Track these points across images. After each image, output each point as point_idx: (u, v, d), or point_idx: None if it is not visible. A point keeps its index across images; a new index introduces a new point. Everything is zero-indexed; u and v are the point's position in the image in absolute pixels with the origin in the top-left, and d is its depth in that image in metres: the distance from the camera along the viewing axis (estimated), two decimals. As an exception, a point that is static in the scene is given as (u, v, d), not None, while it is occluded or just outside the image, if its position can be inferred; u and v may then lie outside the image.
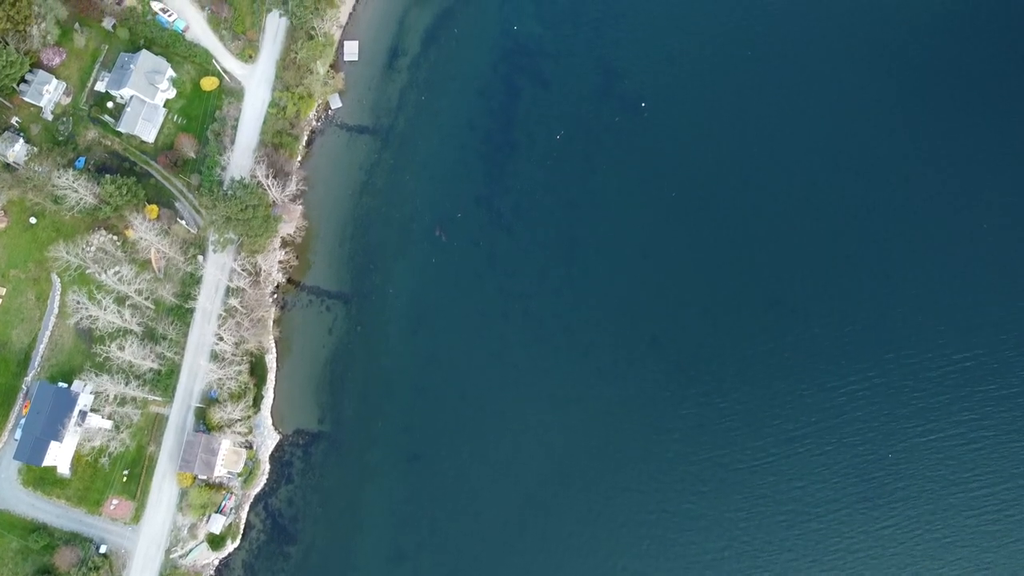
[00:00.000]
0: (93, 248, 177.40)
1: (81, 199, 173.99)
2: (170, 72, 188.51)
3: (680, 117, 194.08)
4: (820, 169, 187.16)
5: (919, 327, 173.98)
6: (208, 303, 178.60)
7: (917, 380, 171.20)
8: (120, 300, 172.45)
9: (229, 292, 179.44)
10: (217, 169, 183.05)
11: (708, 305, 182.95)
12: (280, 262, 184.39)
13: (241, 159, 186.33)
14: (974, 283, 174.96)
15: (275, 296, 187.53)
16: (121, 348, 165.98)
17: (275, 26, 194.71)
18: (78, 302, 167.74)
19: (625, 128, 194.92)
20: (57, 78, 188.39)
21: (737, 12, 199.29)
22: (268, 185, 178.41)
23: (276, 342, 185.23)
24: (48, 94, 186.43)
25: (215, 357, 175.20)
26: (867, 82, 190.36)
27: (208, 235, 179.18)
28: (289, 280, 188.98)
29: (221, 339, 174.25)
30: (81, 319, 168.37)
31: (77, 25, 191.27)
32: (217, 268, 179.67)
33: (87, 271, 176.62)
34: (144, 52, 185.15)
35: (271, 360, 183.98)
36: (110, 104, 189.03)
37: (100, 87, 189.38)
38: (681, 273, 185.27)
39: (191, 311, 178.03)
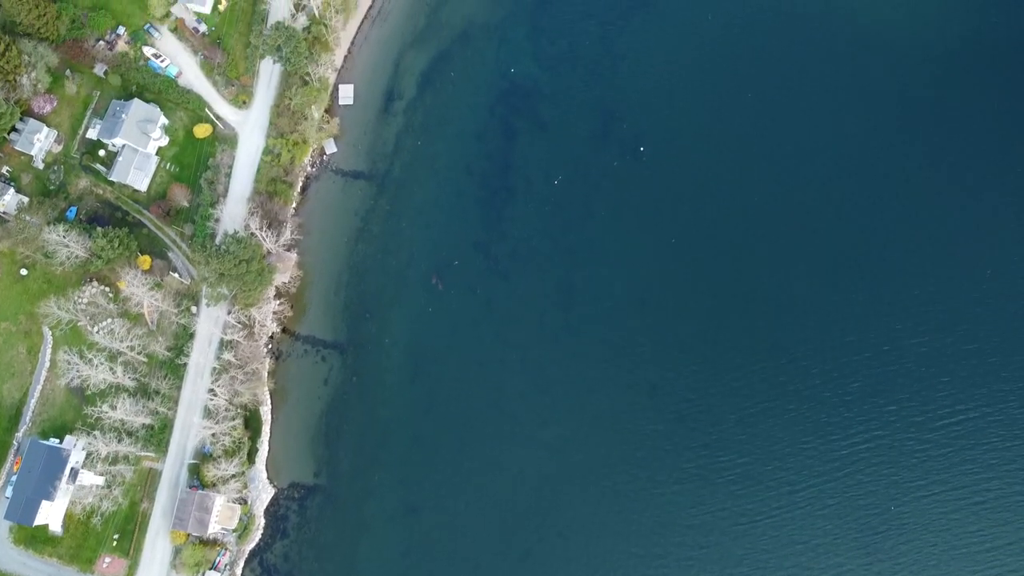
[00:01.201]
0: (85, 301, 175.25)
1: (72, 253, 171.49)
2: (163, 120, 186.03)
3: (679, 162, 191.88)
4: (822, 215, 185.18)
5: (923, 380, 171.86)
6: (201, 358, 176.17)
7: (919, 437, 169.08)
8: (112, 356, 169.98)
9: (223, 345, 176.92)
10: (211, 220, 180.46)
11: (709, 355, 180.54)
12: (274, 312, 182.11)
13: (235, 208, 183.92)
14: (979, 337, 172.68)
15: (270, 347, 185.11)
16: (113, 407, 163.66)
17: (269, 71, 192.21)
18: (69, 362, 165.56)
19: (624, 173, 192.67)
20: (48, 126, 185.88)
21: (737, 54, 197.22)
22: (262, 237, 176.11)
23: (271, 393, 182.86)
24: (39, 143, 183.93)
25: (209, 414, 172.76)
26: (872, 126, 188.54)
27: (201, 288, 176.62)
28: (284, 330, 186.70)
29: (215, 394, 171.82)
30: (72, 379, 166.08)
31: (68, 72, 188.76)
32: (210, 322, 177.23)
33: (79, 323, 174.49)
34: (136, 101, 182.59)
35: (266, 412, 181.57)
36: (102, 152, 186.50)
37: (92, 134, 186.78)
38: (681, 321, 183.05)
39: (184, 366, 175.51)
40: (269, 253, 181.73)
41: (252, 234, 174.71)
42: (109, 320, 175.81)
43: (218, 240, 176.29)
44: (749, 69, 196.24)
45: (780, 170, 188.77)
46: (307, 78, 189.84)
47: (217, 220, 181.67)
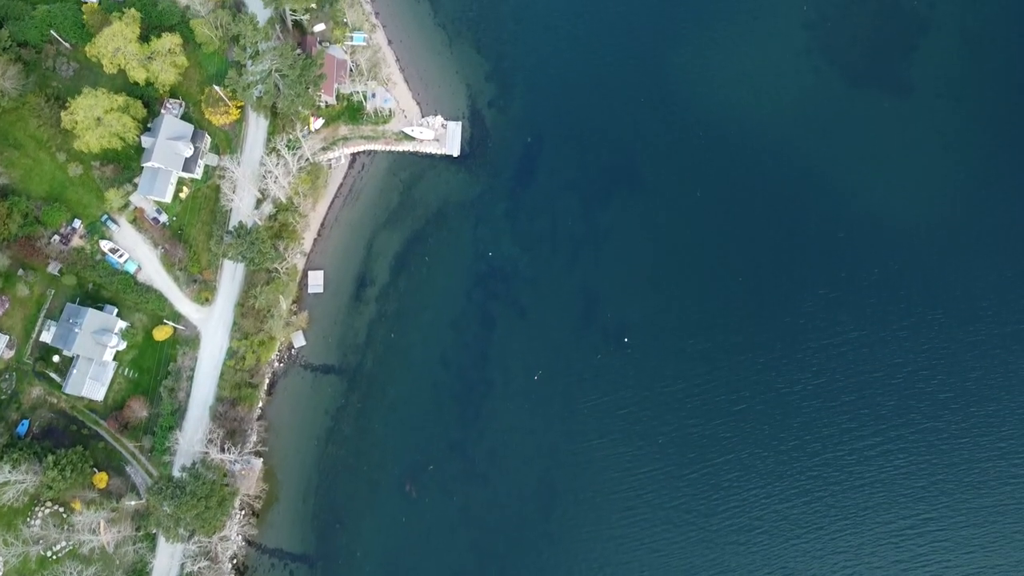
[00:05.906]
0: (36, 526, 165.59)
1: (20, 489, 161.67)
2: (120, 324, 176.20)
3: (666, 355, 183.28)
4: (819, 420, 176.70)
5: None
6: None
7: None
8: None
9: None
10: (168, 450, 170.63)
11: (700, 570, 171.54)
12: (238, 529, 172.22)
13: (196, 421, 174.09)
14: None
15: (234, 561, 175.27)
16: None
17: (233, 266, 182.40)
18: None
19: (608, 366, 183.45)
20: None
21: (728, 235, 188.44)
22: (223, 459, 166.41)
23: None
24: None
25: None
26: (866, 323, 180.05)
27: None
28: (249, 543, 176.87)
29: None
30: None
31: (20, 271, 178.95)
32: (167, 556, 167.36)
33: (32, 549, 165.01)
34: (91, 311, 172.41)
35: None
36: (56, 357, 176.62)
37: (46, 337, 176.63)
38: (670, 533, 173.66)
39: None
40: (233, 464, 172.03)
41: (211, 464, 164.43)
42: (64, 543, 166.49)
43: (176, 469, 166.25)
44: (741, 253, 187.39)
45: (774, 367, 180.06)
46: (274, 274, 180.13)
47: (175, 455, 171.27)
